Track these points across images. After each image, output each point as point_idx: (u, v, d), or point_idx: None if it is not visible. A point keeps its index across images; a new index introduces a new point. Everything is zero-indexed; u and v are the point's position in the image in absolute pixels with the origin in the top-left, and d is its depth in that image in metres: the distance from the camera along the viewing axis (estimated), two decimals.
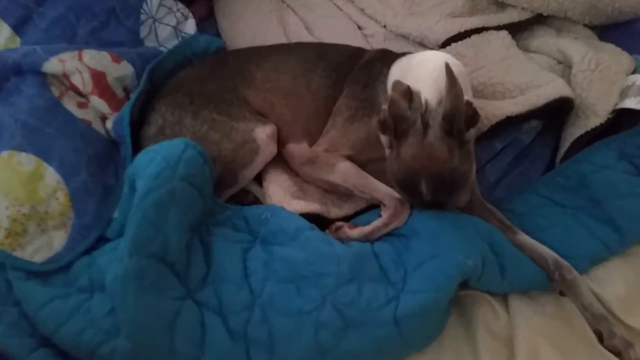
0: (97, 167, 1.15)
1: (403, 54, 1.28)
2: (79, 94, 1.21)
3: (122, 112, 1.19)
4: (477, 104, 1.05)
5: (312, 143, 1.27)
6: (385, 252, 1.06)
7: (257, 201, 1.25)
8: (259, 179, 1.27)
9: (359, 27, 1.65)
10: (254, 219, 1.09)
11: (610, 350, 0.98)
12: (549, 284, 1.08)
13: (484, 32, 1.52)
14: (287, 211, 1.12)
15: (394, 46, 1.50)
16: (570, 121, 1.36)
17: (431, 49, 1.52)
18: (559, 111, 1.36)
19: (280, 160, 1.29)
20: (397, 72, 1.19)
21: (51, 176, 1.07)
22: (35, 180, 1.05)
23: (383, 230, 1.10)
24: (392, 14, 1.61)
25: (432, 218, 1.08)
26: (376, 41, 1.61)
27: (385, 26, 1.61)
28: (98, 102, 1.21)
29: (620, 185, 1.19)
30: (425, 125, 1.03)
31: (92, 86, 1.20)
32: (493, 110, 1.32)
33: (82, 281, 0.99)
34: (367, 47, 1.54)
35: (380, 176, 1.16)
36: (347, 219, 1.19)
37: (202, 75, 1.31)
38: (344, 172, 1.19)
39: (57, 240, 1.05)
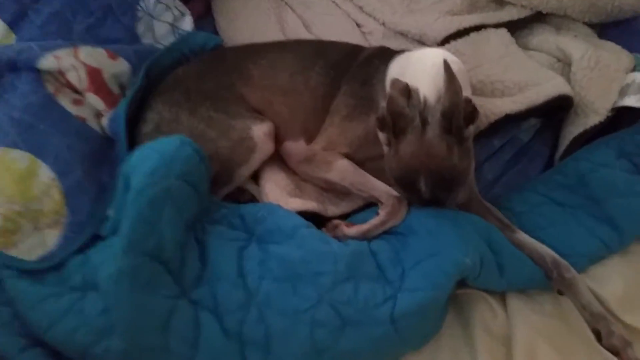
0: (92, 164, 1.13)
1: (401, 51, 1.27)
2: (75, 90, 1.19)
3: (118, 109, 1.18)
4: (476, 101, 1.04)
5: (309, 141, 1.26)
6: (382, 250, 1.05)
7: (253, 199, 1.24)
8: (255, 177, 1.26)
9: (358, 25, 1.65)
10: (250, 217, 1.08)
11: (608, 350, 0.97)
12: (547, 282, 1.07)
13: (483, 29, 1.51)
14: (284, 209, 1.11)
15: (393, 44, 1.49)
16: (570, 119, 1.35)
17: (430, 46, 1.51)
18: (558, 109, 1.35)
19: (278, 158, 1.29)
20: (395, 69, 1.18)
21: (45, 173, 1.06)
22: (28, 177, 1.04)
23: (380, 228, 1.09)
24: (390, 12, 1.60)
25: (430, 216, 1.07)
26: (374, 39, 1.60)
27: (383, 24, 1.60)
28: (94, 99, 1.19)
29: (619, 184, 1.19)
30: (424, 123, 1.03)
31: (87, 83, 1.18)
32: (492, 108, 1.31)
33: (76, 280, 0.98)
34: (366, 44, 1.53)
35: (378, 174, 1.16)
36: (344, 217, 1.18)
37: (199, 72, 1.30)
38: (342, 170, 1.18)
39: (51, 238, 1.04)
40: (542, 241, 1.12)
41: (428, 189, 1.03)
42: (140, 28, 1.43)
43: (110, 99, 1.22)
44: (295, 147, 1.28)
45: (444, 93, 1.02)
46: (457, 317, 1.04)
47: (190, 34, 1.47)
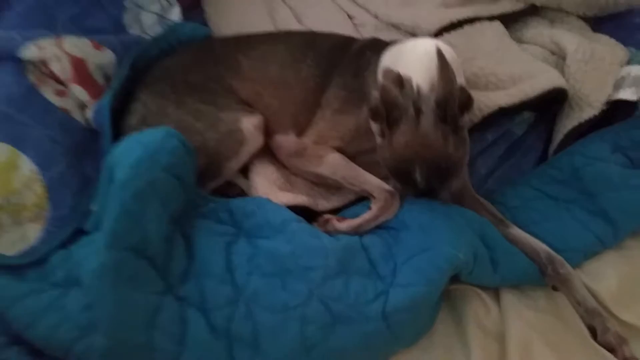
0: (76, 157, 1.11)
1: (393, 42, 1.25)
2: (58, 81, 1.16)
3: (103, 100, 1.15)
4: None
5: (300, 134, 1.24)
6: (374, 245, 1.03)
7: (242, 193, 1.22)
8: (245, 170, 1.24)
9: (350, 17, 1.63)
10: (239, 211, 1.06)
11: (603, 347, 0.96)
12: (542, 278, 1.06)
13: (477, 22, 1.49)
14: (273, 203, 1.09)
15: (385, 36, 1.46)
16: (564, 113, 1.33)
17: None
18: (552, 103, 1.34)
19: (267, 151, 1.26)
20: (388, 60, 1.17)
21: (26, 166, 1.03)
22: (9, 170, 1.01)
23: (372, 223, 1.08)
24: (383, 3, 1.59)
25: (423, 210, 1.06)
26: (367, 31, 1.58)
27: (376, 16, 1.59)
28: (78, 90, 1.17)
29: (613, 178, 1.18)
30: (418, 112, 1.01)
31: (71, 73, 1.16)
32: (485, 101, 1.29)
33: (58, 276, 0.95)
34: (358, 37, 1.51)
35: (370, 168, 1.15)
36: (335, 211, 1.17)
37: (187, 63, 1.27)
38: (333, 164, 1.16)
39: (32, 232, 1.01)
40: (536, 236, 1.11)
41: (423, 179, 1.02)
42: (127, 18, 1.40)
43: (94, 90, 1.19)
44: (286, 140, 1.25)
45: (437, 81, 1.00)
46: (450, 313, 1.02)
47: (178, 24, 1.44)
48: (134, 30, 1.41)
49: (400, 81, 1.05)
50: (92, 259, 0.89)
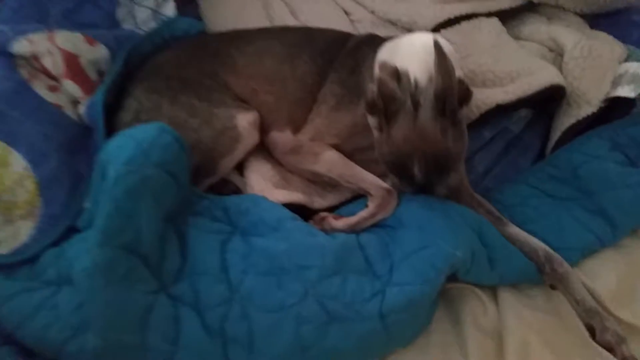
0: (68, 154, 1.10)
1: (390, 38, 1.23)
2: (50, 76, 1.15)
3: (96, 96, 1.14)
4: None
5: (296, 131, 1.23)
6: (371, 243, 1.02)
7: (237, 191, 1.21)
8: (240, 168, 1.23)
9: (346, 13, 1.62)
10: (234, 209, 1.05)
11: (602, 346, 0.96)
12: (540, 277, 1.05)
13: (474, 18, 1.48)
14: (269, 201, 1.08)
15: (382, 32, 1.46)
16: (562, 110, 1.33)
17: None
18: (549, 100, 1.33)
19: (263, 148, 1.25)
20: (384, 54, 1.15)
21: (18, 163, 1.02)
22: (0, 167, 1.00)
23: (369, 221, 1.07)
24: None
25: (420, 208, 1.05)
26: (363, 27, 1.57)
27: (373, 11, 1.58)
28: (70, 86, 1.15)
29: (611, 176, 1.17)
30: (416, 105, 1.00)
31: (63, 69, 1.14)
32: (483, 98, 1.29)
33: (50, 274, 0.95)
34: (354, 32, 1.50)
35: (367, 165, 1.14)
36: (331, 209, 1.16)
37: (181, 59, 1.26)
38: (329, 162, 1.15)
39: (24, 230, 1.00)
40: (534, 234, 1.10)
41: (422, 173, 1.01)
42: (121, 13, 1.39)
43: (87, 85, 1.17)
44: (281, 137, 1.24)
45: (435, 74, 0.99)
46: (447, 312, 1.01)
47: (172, 19, 1.42)
48: (128, 25, 1.39)
49: (397, 74, 1.04)
50: (84, 257, 0.88)
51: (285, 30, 1.41)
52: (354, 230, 1.06)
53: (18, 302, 0.89)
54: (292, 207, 1.10)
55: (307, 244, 0.98)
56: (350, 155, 1.16)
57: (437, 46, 0.99)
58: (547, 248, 1.07)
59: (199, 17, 1.53)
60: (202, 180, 1.13)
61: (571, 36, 1.39)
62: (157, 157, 0.94)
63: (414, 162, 1.00)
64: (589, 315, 0.99)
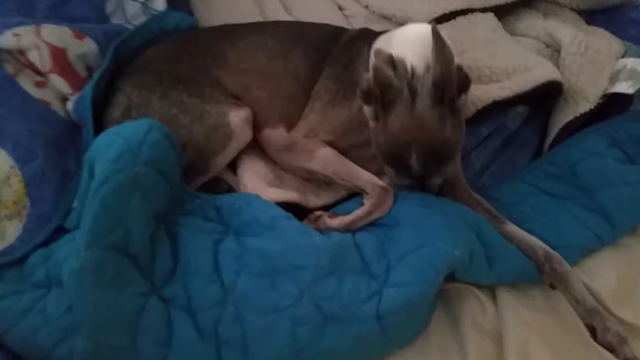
0: (56, 151, 1.07)
1: (385, 32, 1.21)
2: (37, 72, 1.13)
3: (84, 92, 1.11)
4: None
5: (290, 128, 1.21)
6: (367, 243, 1.00)
7: (230, 190, 1.19)
8: (233, 166, 1.20)
9: (340, 8, 1.61)
10: (227, 208, 1.03)
11: (603, 346, 0.94)
12: (539, 276, 1.04)
13: (470, 14, 1.48)
14: (262, 200, 1.06)
15: (376, 28, 1.43)
16: (559, 106, 1.32)
17: None
18: (546, 96, 1.32)
19: (256, 146, 1.23)
20: (380, 44, 1.13)
21: (3, 160, 1.00)
22: None
23: (365, 219, 1.05)
24: None
25: (417, 206, 1.03)
26: (357, 22, 1.56)
27: (367, 6, 1.57)
28: (58, 81, 1.13)
29: (610, 173, 1.16)
30: (413, 94, 0.98)
31: (51, 63, 1.12)
32: (479, 94, 1.27)
33: (38, 276, 0.93)
34: (348, 27, 1.48)
35: (363, 163, 1.12)
36: (326, 208, 1.14)
37: (172, 53, 1.23)
38: (324, 159, 1.13)
39: (11, 230, 0.98)
40: (532, 232, 1.09)
41: (419, 164, 0.99)
42: (110, 7, 1.37)
43: (76, 81, 1.15)
44: (275, 134, 1.22)
45: (434, 61, 0.97)
46: (446, 312, 1.00)
47: (162, 13, 1.39)
48: (117, 20, 1.37)
49: (392, 62, 1.01)
50: (72, 258, 0.86)
51: (278, 25, 1.39)
52: (349, 229, 1.04)
53: (5, 305, 0.88)
54: (286, 206, 1.08)
55: (302, 244, 0.96)
56: (345, 152, 1.14)
57: (435, 32, 0.97)
58: (546, 247, 1.05)
59: (189, 12, 1.51)
60: (194, 179, 1.11)
61: (568, 32, 1.38)
62: (146, 155, 0.91)
63: (411, 152, 0.98)
64: (590, 315, 0.98)
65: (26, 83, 1.10)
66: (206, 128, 1.11)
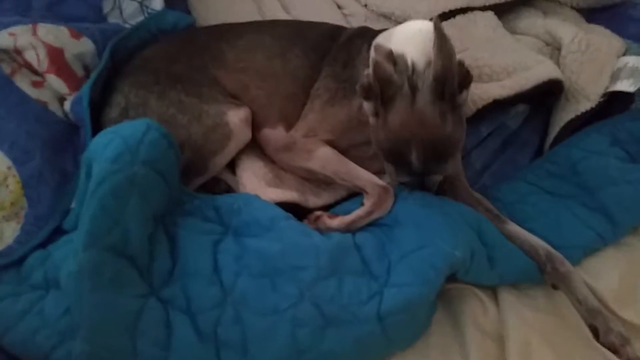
0: (53, 152, 1.07)
1: (384, 30, 1.21)
2: (34, 72, 1.13)
3: (81, 91, 1.11)
4: None
5: (289, 128, 1.20)
6: (367, 243, 1.00)
7: (229, 190, 1.18)
8: (231, 166, 1.20)
9: (339, 6, 1.61)
10: (226, 209, 1.02)
11: (606, 347, 0.93)
12: (541, 276, 1.03)
13: (470, 12, 1.47)
14: (262, 200, 1.06)
15: (375, 27, 1.43)
16: (560, 105, 1.31)
17: None
18: (547, 94, 1.31)
19: (255, 146, 1.23)
20: (380, 40, 1.12)
21: (0, 161, 1.00)
22: None
23: (365, 219, 1.04)
24: None
25: (417, 206, 1.03)
26: (356, 21, 1.55)
27: (366, 5, 1.56)
28: (55, 81, 1.12)
29: (612, 172, 1.15)
30: (414, 89, 0.97)
31: (47, 63, 1.11)
32: (479, 93, 1.26)
33: (36, 277, 0.93)
34: (347, 26, 1.47)
35: (363, 162, 1.11)
36: (326, 208, 1.13)
37: (170, 53, 1.22)
38: (324, 159, 1.13)
39: (8, 232, 0.98)
40: (534, 232, 1.08)
41: (419, 161, 0.98)
42: (107, 6, 1.37)
43: (73, 81, 1.15)
44: (274, 134, 1.21)
45: (435, 55, 0.95)
46: (447, 313, 0.99)
47: (160, 12, 1.38)
48: (114, 19, 1.37)
49: (392, 57, 1.01)
50: (70, 260, 0.85)
51: (276, 24, 1.38)
52: (349, 229, 1.03)
53: (3, 307, 0.88)
54: (285, 206, 1.07)
55: (302, 244, 0.96)
56: (345, 151, 1.14)
57: (438, 27, 0.95)
58: (548, 246, 1.04)
59: (187, 11, 1.51)
60: (192, 179, 1.10)
61: (568, 30, 1.37)
62: (144, 155, 0.91)
63: (411, 148, 0.97)
64: (592, 315, 0.97)
65: (23, 83, 1.09)
66: (204, 128, 1.10)
